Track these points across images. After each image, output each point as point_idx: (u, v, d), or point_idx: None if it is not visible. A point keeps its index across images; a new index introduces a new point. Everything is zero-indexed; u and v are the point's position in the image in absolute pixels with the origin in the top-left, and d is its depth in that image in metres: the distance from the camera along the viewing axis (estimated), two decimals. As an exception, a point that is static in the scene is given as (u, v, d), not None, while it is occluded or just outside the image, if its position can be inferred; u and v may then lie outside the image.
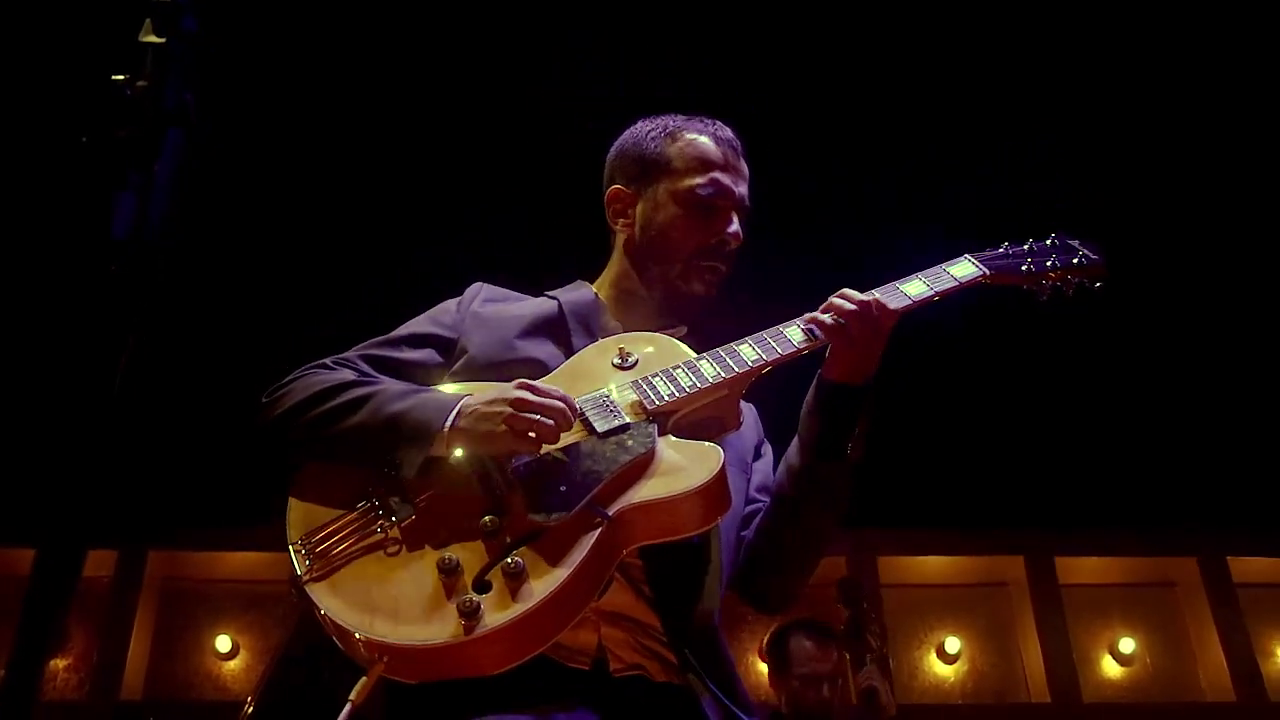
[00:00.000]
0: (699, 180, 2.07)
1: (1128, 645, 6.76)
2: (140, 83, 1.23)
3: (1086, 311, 2.21)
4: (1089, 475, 6.38)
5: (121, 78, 1.23)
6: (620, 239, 2.18)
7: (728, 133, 2.16)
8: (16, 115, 4.49)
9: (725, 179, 2.08)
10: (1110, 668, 6.82)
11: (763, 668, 6.61)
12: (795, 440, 2.01)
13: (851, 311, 1.87)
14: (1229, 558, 6.88)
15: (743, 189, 2.12)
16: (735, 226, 2.07)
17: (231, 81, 4.02)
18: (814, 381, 1.97)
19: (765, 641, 4.43)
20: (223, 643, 6.42)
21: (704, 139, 2.12)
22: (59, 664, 6.28)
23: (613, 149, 2.24)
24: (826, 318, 1.89)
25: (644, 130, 2.19)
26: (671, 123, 2.17)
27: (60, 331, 4.13)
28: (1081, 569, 6.97)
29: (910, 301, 1.94)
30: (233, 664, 6.49)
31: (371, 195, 5.27)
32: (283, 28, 4.51)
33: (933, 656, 6.79)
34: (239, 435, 1.92)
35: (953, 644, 6.74)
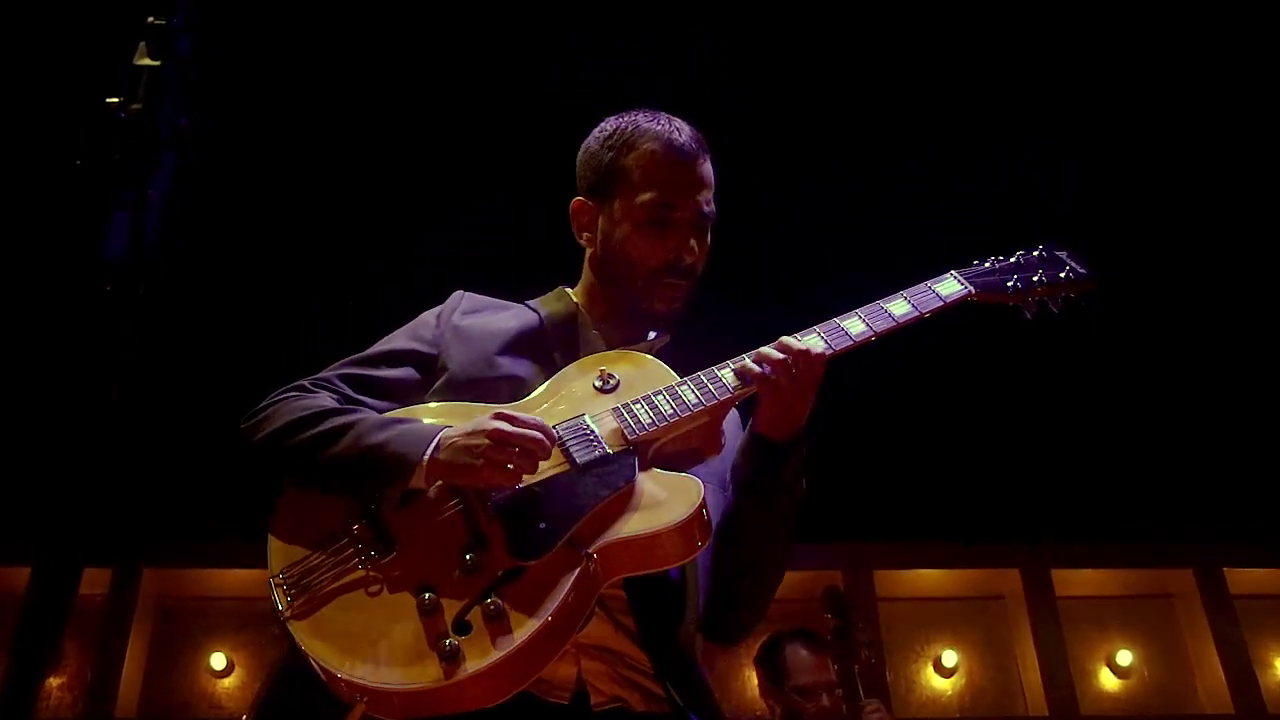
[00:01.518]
0: (651, 195, 1.99)
1: (1125, 658, 6.76)
2: (134, 106, 1.23)
3: (1081, 324, 2.21)
4: (1085, 488, 6.39)
5: (115, 101, 1.24)
6: (588, 252, 2.15)
7: (685, 135, 2.05)
8: (10, 137, 4.50)
9: (680, 192, 2.00)
10: (1108, 680, 6.81)
11: (755, 680, 6.61)
12: (730, 473, 1.98)
13: (778, 361, 1.82)
14: (1225, 569, 6.87)
15: (701, 196, 2.03)
16: (692, 242, 2.01)
17: (224, 103, 4.03)
18: (747, 427, 1.93)
19: (758, 653, 4.33)
20: (217, 660, 6.40)
21: (659, 147, 2.02)
22: (53, 682, 6.25)
23: (579, 152, 2.17)
24: (754, 367, 1.84)
25: (601, 137, 2.11)
26: (629, 128, 2.08)
27: (55, 351, 4.13)
28: (1078, 581, 6.97)
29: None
30: (227, 681, 6.46)
31: (363, 209, 5.28)
32: (273, 49, 4.52)
33: (929, 670, 6.78)
34: (232, 453, 1.91)
35: (950, 657, 6.72)
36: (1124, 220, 5.34)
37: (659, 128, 2.06)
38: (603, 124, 2.14)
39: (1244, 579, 6.93)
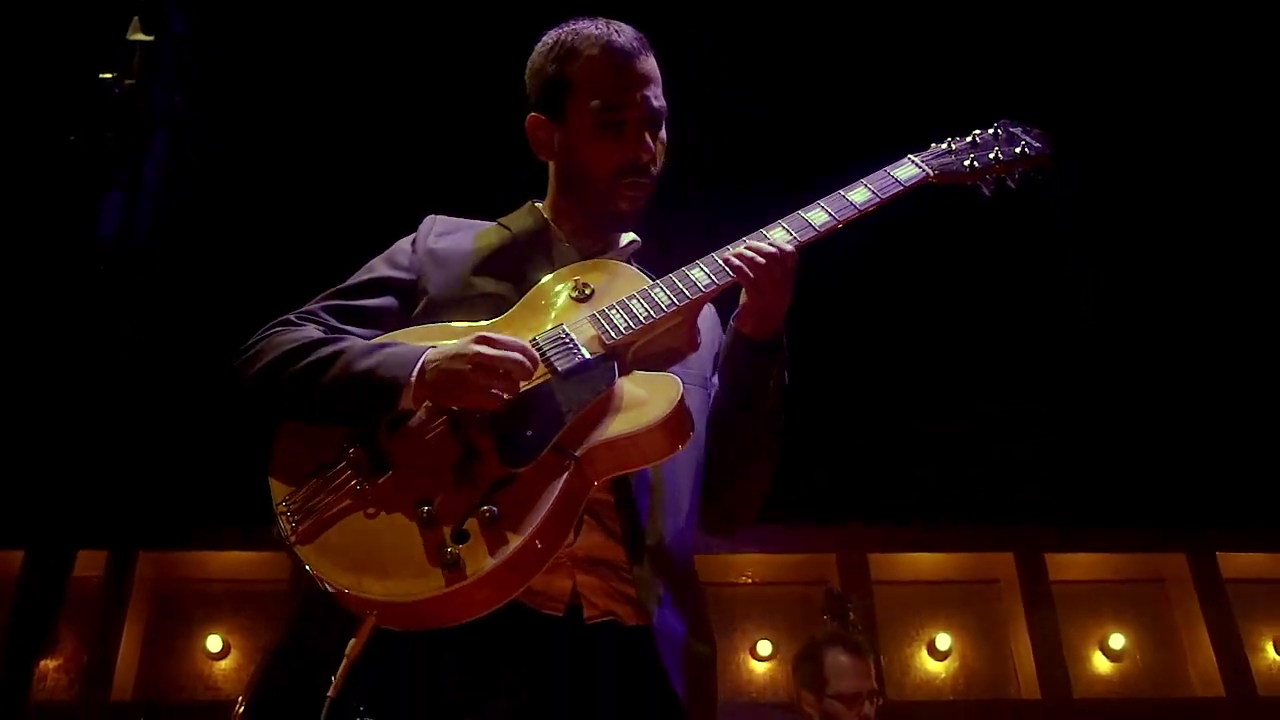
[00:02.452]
0: (599, 101, 2.01)
1: (1118, 641, 6.78)
2: (128, 81, 1.22)
3: (1075, 309, 2.21)
4: (1078, 472, 6.40)
5: (109, 76, 1.22)
6: (551, 166, 2.17)
7: (625, 35, 2.06)
8: (2, 114, 4.47)
9: (626, 91, 2.01)
10: (1100, 663, 6.84)
11: (754, 665, 6.64)
12: (717, 372, 2.04)
13: (759, 264, 1.86)
14: (1218, 553, 6.89)
15: (649, 91, 2.03)
16: (646, 138, 2.02)
17: (220, 80, 4.00)
18: (729, 326, 1.98)
19: (795, 657, 4.20)
20: (213, 642, 6.40)
21: (598, 52, 2.03)
22: (49, 664, 6.25)
23: (526, 68, 2.17)
24: (737, 262, 1.88)
25: (544, 51, 2.12)
26: (568, 37, 2.08)
27: (49, 332, 4.11)
28: (1072, 565, 6.99)
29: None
30: (223, 664, 6.47)
31: (359, 188, 5.26)
32: (270, 26, 4.49)
33: (924, 653, 6.80)
34: (229, 434, 1.92)
35: (944, 641, 6.74)
36: (1119, 213, 5.34)
37: (597, 31, 2.07)
38: (544, 37, 2.15)
39: (1236, 563, 6.95)
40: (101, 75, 1.21)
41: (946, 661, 6.78)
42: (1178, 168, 5.43)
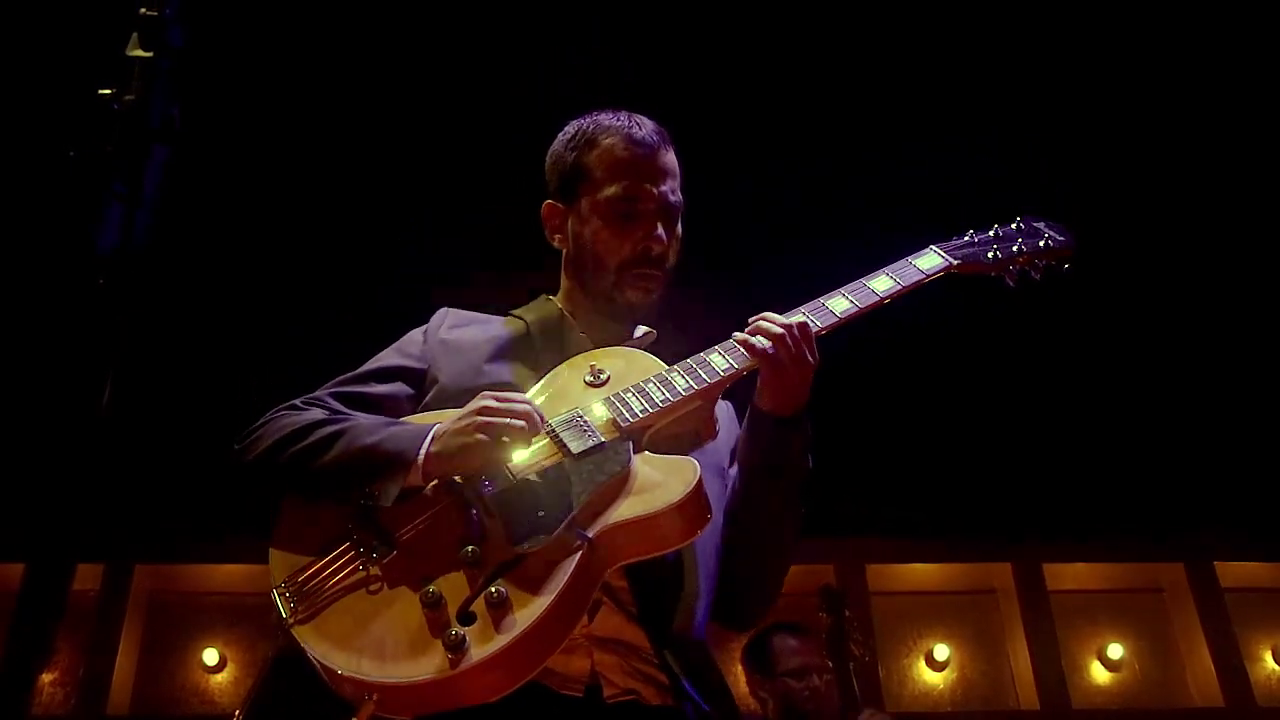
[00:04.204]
0: (614, 190, 2.02)
1: (1116, 651, 6.78)
2: (127, 97, 1.23)
3: (1072, 316, 2.23)
4: (1076, 482, 6.40)
5: (108, 92, 1.23)
6: (563, 254, 2.17)
7: (646, 129, 2.08)
8: (2, 128, 4.48)
9: (643, 183, 2.03)
10: (1099, 674, 6.83)
11: (753, 676, 6.63)
12: (736, 461, 2.00)
13: (777, 336, 1.85)
14: (1216, 563, 6.90)
15: (666, 185, 2.05)
16: (660, 231, 2.03)
17: (218, 95, 4.02)
18: (748, 407, 1.95)
19: (744, 649, 4.38)
20: (210, 656, 6.39)
21: (618, 142, 2.05)
22: (45, 678, 6.23)
23: (547, 157, 2.19)
24: (754, 341, 1.87)
25: (564, 139, 2.15)
26: (589, 126, 2.11)
27: (46, 346, 4.11)
28: (1069, 575, 6.99)
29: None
30: (220, 677, 6.45)
31: (357, 200, 5.27)
32: (266, 40, 4.51)
33: (921, 664, 6.80)
34: (225, 450, 1.91)
35: (941, 651, 6.74)
36: (1109, 216, 5.34)
37: (618, 123, 2.09)
38: (566, 127, 2.17)
39: (1234, 572, 6.95)
40: (100, 91, 1.22)
41: (944, 672, 6.78)
42: (1173, 176, 5.45)
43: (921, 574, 7.02)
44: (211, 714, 6.22)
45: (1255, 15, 4.86)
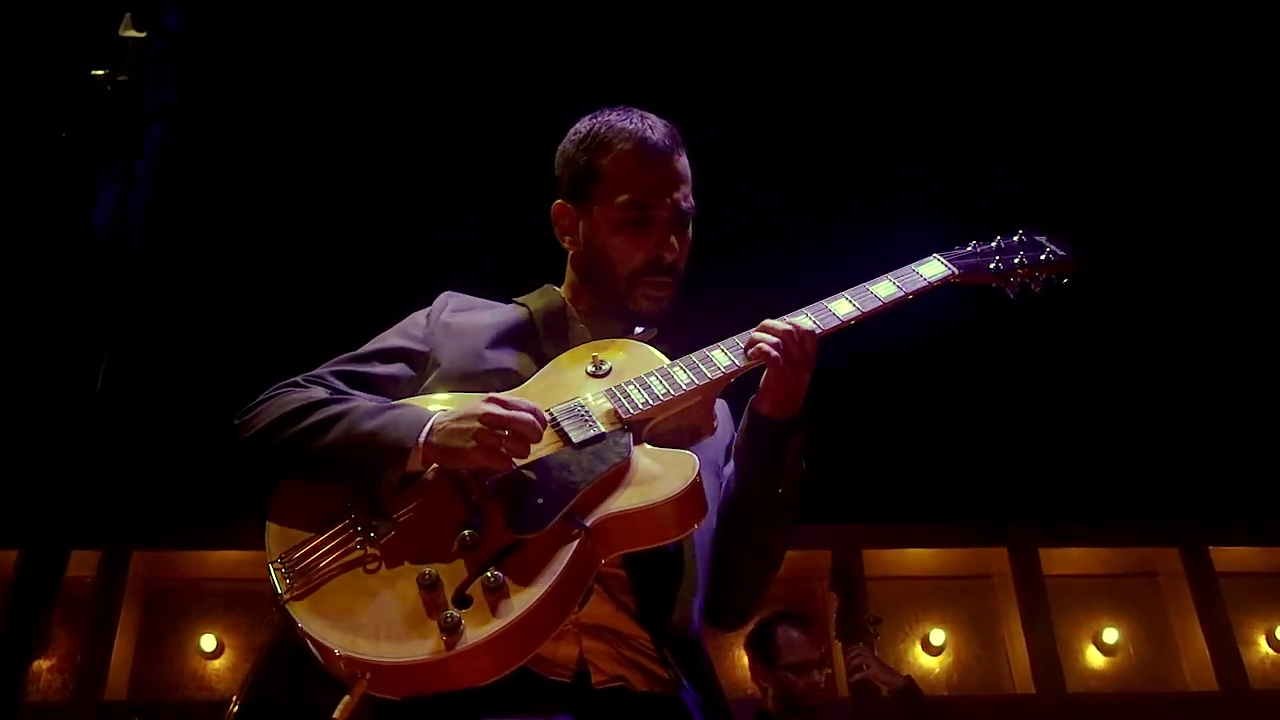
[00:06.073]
0: (627, 197, 2.00)
1: (1111, 635, 6.80)
2: (120, 78, 1.21)
3: (1067, 304, 2.24)
4: (1072, 467, 6.41)
5: (101, 73, 1.22)
6: (570, 253, 2.16)
7: (659, 133, 2.05)
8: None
9: (656, 191, 2.01)
10: (1094, 658, 6.86)
11: (746, 662, 6.64)
12: (732, 462, 2.01)
13: (787, 336, 1.86)
14: (1210, 547, 6.92)
15: (679, 193, 2.04)
16: (672, 240, 2.02)
17: (213, 77, 3.99)
18: (746, 409, 1.96)
19: (749, 636, 4.44)
20: (207, 642, 6.39)
21: (631, 147, 2.03)
22: (43, 665, 6.23)
23: (557, 155, 2.17)
24: (758, 338, 1.88)
25: (575, 140, 2.12)
26: (602, 129, 2.08)
27: (42, 330, 4.10)
28: (1065, 560, 7.01)
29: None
30: (217, 663, 6.45)
31: (357, 188, 5.25)
32: (262, 20, 4.48)
33: (918, 649, 6.82)
34: (222, 435, 1.90)
35: (938, 636, 6.76)
36: (1109, 202, 5.34)
37: (632, 126, 2.06)
38: (577, 125, 2.15)
39: (1229, 557, 6.98)
40: (94, 72, 1.20)
41: (940, 657, 6.80)
42: (1170, 169, 5.45)
43: (918, 559, 7.03)
44: (209, 700, 6.22)
45: (1255, 15, 4.86)
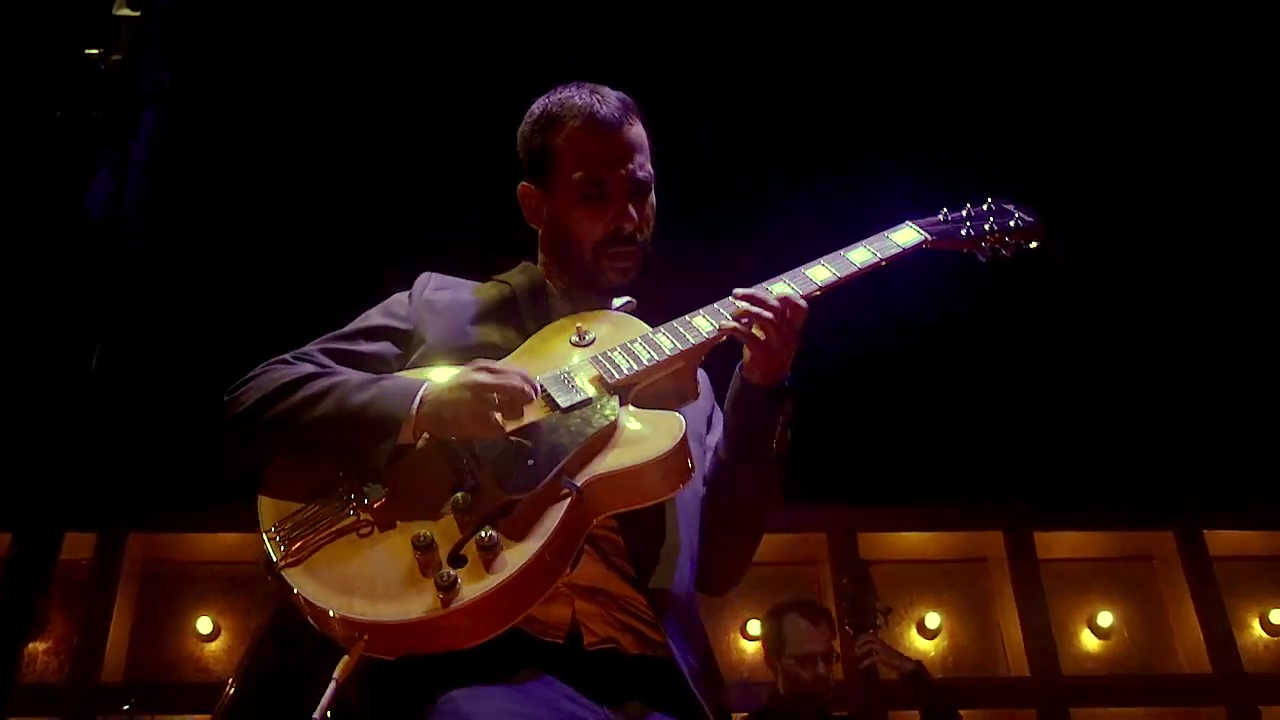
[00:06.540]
0: (581, 174, 2.03)
1: (1106, 619, 6.83)
2: (115, 57, 1.20)
3: (1063, 289, 2.27)
4: (1067, 450, 6.43)
5: (95, 52, 1.20)
6: (539, 233, 2.20)
7: (610, 104, 2.07)
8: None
9: (609, 163, 2.03)
10: (1089, 641, 6.89)
11: (745, 645, 6.67)
12: (721, 430, 2.04)
13: (774, 307, 1.88)
14: (1205, 531, 6.94)
15: (635, 162, 2.06)
16: (630, 210, 2.04)
17: (208, 57, 3.96)
18: (734, 376, 1.99)
19: (763, 621, 4.53)
20: (204, 624, 6.40)
21: (581, 123, 2.05)
22: (39, 647, 6.24)
23: (516, 137, 2.19)
24: (743, 307, 1.90)
25: (530, 121, 2.15)
26: (554, 107, 2.10)
27: (36, 312, 4.08)
28: (1060, 544, 7.03)
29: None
30: (214, 645, 6.47)
31: (354, 171, 5.23)
32: (261, 2, 4.45)
33: (913, 632, 6.84)
34: (217, 425, 1.91)
35: (933, 619, 6.78)
36: (1101, 189, 5.34)
37: (581, 101, 2.08)
38: (532, 106, 2.18)
39: (1223, 541, 6.99)
40: (87, 51, 1.19)
41: (935, 640, 6.82)
42: (1166, 161, 5.45)
43: (913, 542, 7.05)
44: (205, 682, 6.23)
45: (1255, 15, 4.85)
